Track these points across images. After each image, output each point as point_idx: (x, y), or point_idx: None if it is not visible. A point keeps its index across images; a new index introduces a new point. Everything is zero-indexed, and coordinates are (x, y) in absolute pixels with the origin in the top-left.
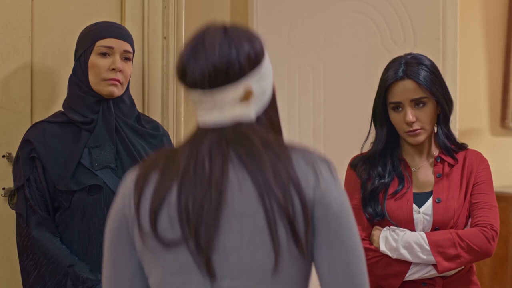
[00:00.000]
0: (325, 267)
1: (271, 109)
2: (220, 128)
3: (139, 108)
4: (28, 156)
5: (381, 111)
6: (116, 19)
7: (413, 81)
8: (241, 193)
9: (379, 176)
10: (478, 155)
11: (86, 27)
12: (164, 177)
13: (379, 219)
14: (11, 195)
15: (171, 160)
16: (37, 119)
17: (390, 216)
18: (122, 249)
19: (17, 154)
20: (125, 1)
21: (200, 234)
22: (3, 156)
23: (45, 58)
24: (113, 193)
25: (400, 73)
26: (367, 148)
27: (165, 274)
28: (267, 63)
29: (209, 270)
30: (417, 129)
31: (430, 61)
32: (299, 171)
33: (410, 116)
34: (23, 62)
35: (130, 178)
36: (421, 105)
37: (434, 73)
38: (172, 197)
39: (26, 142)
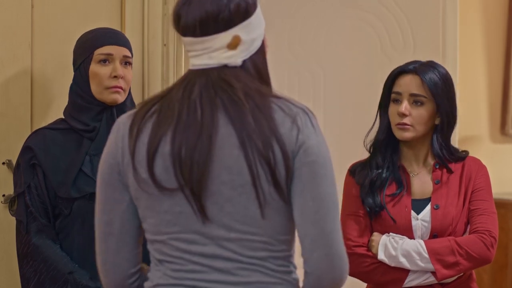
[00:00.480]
0: (297, 213)
1: (258, 56)
2: (208, 70)
3: None
4: (28, 163)
5: (386, 101)
6: (116, 26)
7: (419, 77)
8: (229, 149)
9: (377, 167)
10: (477, 162)
11: (82, 35)
12: (160, 122)
13: (378, 211)
14: (11, 201)
15: (166, 105)
16: (37, 125)
17: (388, 221)
18: (113, 191)
19: (17, 161)
20: (125, 8)
21: (193, 183)
22: (3, 163)
23: (45, 65)
24: None
25: (411, 67)
26: (368, 141)
27: (161, 223)
28: (258, 16)
29: (205, 220)
30: (406, 124)
31: (446, 72)
32: (280, 123)
33: (403, 108)
34: (23, 69)
35: (123, 122)
36: (419, 103)
37: (445, 82)
38: (167, 143)
39: (26, 149)
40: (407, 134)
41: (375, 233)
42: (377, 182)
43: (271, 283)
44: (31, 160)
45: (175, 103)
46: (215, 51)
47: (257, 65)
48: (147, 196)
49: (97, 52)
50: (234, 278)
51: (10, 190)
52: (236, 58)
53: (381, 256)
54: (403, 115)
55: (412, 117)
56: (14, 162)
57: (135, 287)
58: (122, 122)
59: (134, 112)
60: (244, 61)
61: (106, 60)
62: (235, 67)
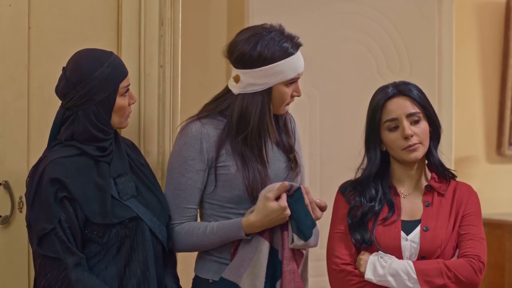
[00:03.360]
0: None
1: (249, 96)
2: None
3: (135, 137)
4: (56, 195)
5: (375, 134)
6: (112, 48)
7: (407, 96)
8: None
9: (370, 201)
10: (469, 187)
11: (91, 65)
12: None
13: (366, 246)
14: (40, 239)
15: None
16: (34, 148)
17: (378, 242)
18: None
19: (36, 193)
20: (121, 30)
21: None
22: (0, 184)
23: (42, 87)
24: (143, 222)
25: (392, 91)
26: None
27: None
28: (262, 72)
29: None
30: (415, 143)
31: (417, 85)
32: None
33: (409, 130)
34: (19, 90)
35: None
36: (415, 121)
37: (423, 94)
38: None
39: (53, 181)
40: (419, 153)
41: (364, 252)
42: (369, 215)
43: None
44: (58, 192)
45: None
46: (231, 78)
47: (244, 100)
48: None
49: (122, 85)
50: None
51: (6, 211)
52: (234, 88)
53: (368, 275)
54: (411, 136)
55: (417, 135)
56: (11, 183)
57: None
58: None
59: None
60: (239, 93)
61: (128, 90)
62: (233, 94)
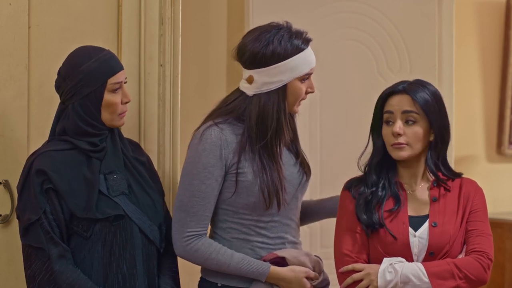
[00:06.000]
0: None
1: (267, 95)
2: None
3: (135, 135)
4: (41, 186)
5: (378, 122)
6: (113, 47)
7: (409, 96)
8: None
9: (372, 186)
10: (474, 183)
11: (78, 61)
12: None
13: (377, 228)
14: (24, 229)
15: None
16: (34, 146)
17: (386, 239)
18: None
19: (24, 185)
20: (121, 29)
21: None
22: (0, 183)
23: (42, 86)
24: (130, 220)
25: (400, 87)
26: (362, 163)
27: None
28: (278, 68)
29: None
30: (402, 143)
31: (436, 89)
32: None
33: (397, 127)
34: (19, 89)
35: None
36: (410, 122)
37: (435, 99)
38: None
39: (38, 172)
40: (403, 153)
41: (372, 265)
42: (373, 200)
43: None
44: (43, 184)
45: None
46: (242, 80)
47: (261, 100)
48: None
49: (110, 81)
50: None
51: (6, 210)
52: (248, 90)
53: (381, 285)
54: (398, 134)
55: (407, 136)
56: (11, 182)
57: None
58: None
59: None
60: (254, 94)
61: (118, 88)
62: (248, 96)
